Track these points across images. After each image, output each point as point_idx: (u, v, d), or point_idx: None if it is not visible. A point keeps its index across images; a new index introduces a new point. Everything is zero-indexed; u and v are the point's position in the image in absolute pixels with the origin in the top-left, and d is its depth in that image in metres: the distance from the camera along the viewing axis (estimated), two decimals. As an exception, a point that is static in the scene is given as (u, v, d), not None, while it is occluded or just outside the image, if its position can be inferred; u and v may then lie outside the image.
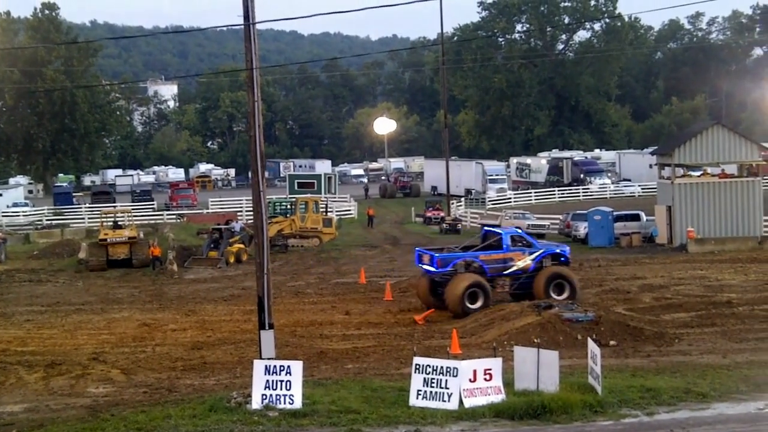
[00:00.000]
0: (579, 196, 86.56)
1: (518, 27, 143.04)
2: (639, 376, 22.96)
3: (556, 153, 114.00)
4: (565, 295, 32.83)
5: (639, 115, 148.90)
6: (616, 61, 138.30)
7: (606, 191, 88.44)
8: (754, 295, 34.48)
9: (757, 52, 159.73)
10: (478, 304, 32.14)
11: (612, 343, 26.65)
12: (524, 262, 33.72)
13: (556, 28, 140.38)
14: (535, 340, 24.99)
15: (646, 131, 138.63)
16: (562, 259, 34.49)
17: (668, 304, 33.51)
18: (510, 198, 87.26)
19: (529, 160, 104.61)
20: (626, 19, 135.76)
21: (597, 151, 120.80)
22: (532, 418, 19.66)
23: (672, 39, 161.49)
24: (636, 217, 56.04)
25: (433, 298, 33.76)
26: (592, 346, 21.42)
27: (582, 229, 55.91)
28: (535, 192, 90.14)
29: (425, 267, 33.96)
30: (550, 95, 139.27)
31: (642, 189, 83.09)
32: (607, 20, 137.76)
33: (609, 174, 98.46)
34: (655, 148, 69.16)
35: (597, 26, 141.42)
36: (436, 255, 33.65)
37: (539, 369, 21.00)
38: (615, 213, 56.10)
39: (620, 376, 22.57)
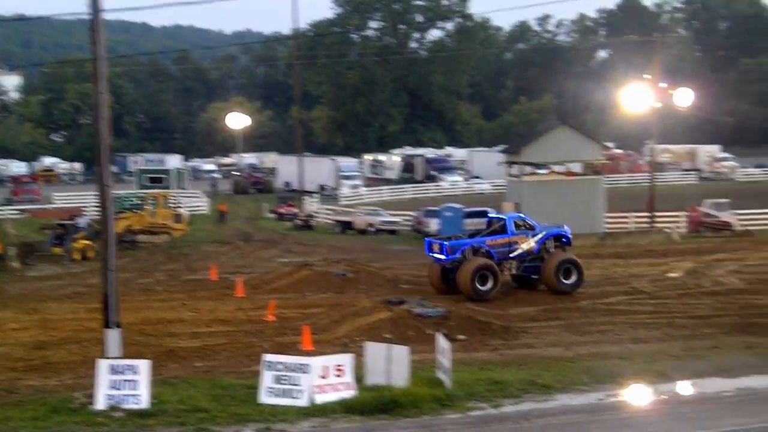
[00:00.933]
0: (431, 192, 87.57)
1: (372, 24, 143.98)
2: (487, 370, 23.41)
3: (409, 150, 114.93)
4: (573, 279, 34.58)
5: (489, 113, 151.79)
6: (468, 60, 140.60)
7: (457, 188, 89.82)
8: (597, 289, 35.57)
9: (602, 54, 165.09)
10: (488, 285, 33.63)
11: (461, 337, 27.05)
12: (528, 244, 35.24)
13: (409, 26, 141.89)
14: (387, 336, 25.23)
15: (496, 130, 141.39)
16: (564, 239, 36.11)
17: (515, 298, 34.25)
18: (363, 194, 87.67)
19: (382, 157, 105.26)
20: (477, 19, 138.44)
21: (448, 148, 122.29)
22: (383, 412, 19.81)
23: (521, 40, 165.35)
24: (485, 214, 56.95)
25: (445, 285, 35.03)
26: (442, 341, 21.72)
27: (433, 225, 56.56)
28: (389, 189, 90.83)
29: (435, 255, 35.18)
30: (403, 93, 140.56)
31: (492, 186, 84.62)
32: (459, 20, 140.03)
33: (460, 171, 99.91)
34: (505, 146, 70.64)
35: (449, 25, 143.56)
36: (446, 243, 34.96)
37: (390, 364, 21.16)
38: (465, 209, 56.96)
39: (469, 370, 22.94)
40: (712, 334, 27.68)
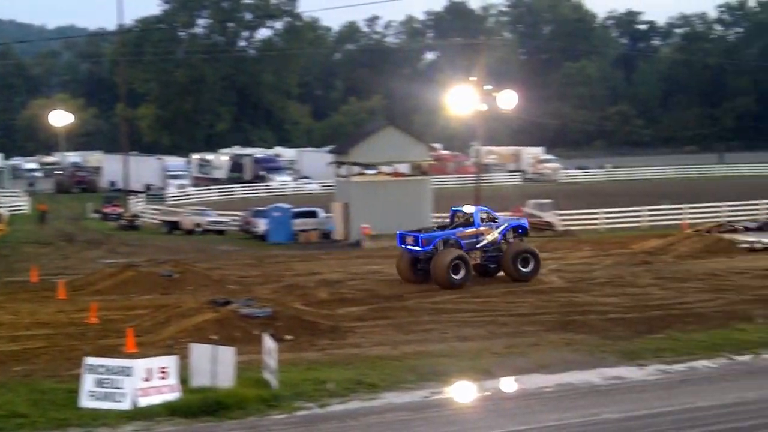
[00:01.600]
0: (260, 192, 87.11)
1: (200, 21, 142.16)
2: (314, 370, 23.38)
3: (237, 150, 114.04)
4: (530, 267, 37.04)
5: (319, 113, 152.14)
6: (297, 60, 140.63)
7: (286, 188, 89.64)
8: (423, 288, 36.01)
9: (429, 56, 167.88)
10: (461, 274, 35.85)
11: (288, 337, 26.90)
12: (492, 235, 37.65)
13: (238, 24, 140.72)
14: (213, 337, 24.90)
15: (326, 130, 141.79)
16: (520, 230, 38.84)
17: (343, 298, 34.37)
18: (191, 194, 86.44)
19: (210, 157, 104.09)
20: (306, 18, 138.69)
21: (278, 148, 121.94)
22: (208, 414, 19.53)
23: (350, 41, 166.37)
24: (314, 214, 57.16)
25: (414, 276, 37.22)
26: (268, 342, 21.59)
27: (262, 225, 56.29)
28: (217, 188, 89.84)
29: (410, 247, 37.25)
30: (231, 92, 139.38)
31: (321, 186, 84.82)
32: (288, 19, 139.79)
33: (289, 171, 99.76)
34: (333, 146, 70.89)
35: (278, 25, 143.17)
36: (421, 235, 37.11)
37: (215, 365, 20.89)
38: (294, 210, 56.94)
39: (295, 370, 22.86)
40: (534, 331, 28.38)
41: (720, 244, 45.79)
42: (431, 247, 36.64)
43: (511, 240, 38.07)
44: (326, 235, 54.98)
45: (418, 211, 53.58)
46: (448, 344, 26.80)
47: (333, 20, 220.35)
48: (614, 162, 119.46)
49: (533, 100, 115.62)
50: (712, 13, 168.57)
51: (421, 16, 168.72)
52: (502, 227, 38.04)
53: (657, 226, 56.96)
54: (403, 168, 60.28)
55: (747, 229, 48.73)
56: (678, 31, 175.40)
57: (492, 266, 37.98)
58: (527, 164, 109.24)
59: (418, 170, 58.21)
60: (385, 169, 58.59)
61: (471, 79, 62.99)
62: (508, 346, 26.36)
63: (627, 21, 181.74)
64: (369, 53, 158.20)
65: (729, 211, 59.54)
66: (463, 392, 22.34)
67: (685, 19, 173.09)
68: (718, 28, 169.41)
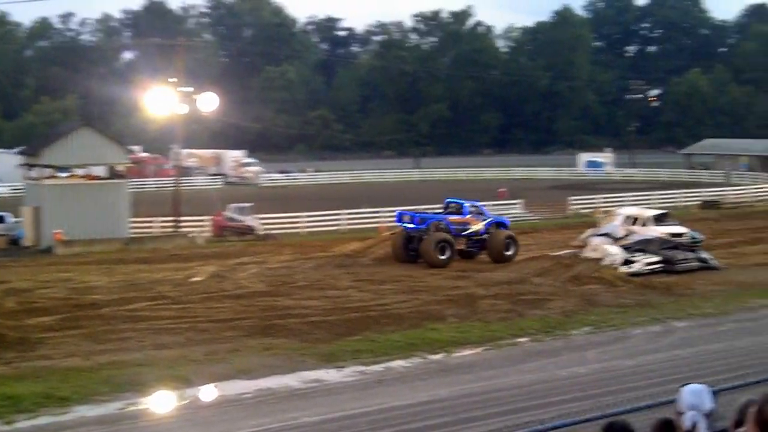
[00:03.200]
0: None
1: None
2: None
3: None
4: (512, 251, 42.93)
5: (9, 113, 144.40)
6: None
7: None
8: (119, 295, 34.71)
9: (128, 56, 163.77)
10: (446, 255, 41.62)
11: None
12: (478, 226, 43.68)
13: None
14: None
15: (16, 130, 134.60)
16: (502, 227, 44.62)
17: (33, 308, 32.43)
18: None
19: None
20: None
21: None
22: None
23: (43, 37, 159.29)
24: (1, 219, 53.98)
25: (405, 255, 42.70)
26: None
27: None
28: None
29: (406, 225, 43.37)
30: None
31: (11, 189, 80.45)
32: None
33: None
34: (24, 148, 67.33)
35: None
36: (417, 215, 43.80)
37: None
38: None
39: (-21, 387, 21.33)
40: (234, 337, 28.01)
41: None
42: (425, 226, 42.46)
43: (492, 232, 43.74)
44: (14, 242, 51.95)
45: (115, 216, 51.92)
46: (145, 353, 25.92)
47: (23, 15, 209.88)
48: (316, 166, 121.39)
49: (235, 103, 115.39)
50: (409, 22, 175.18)
51: (118, 15, 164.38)
52: (487, 221, 44.17)
53: (357, 230, 58.13)
54: (100, 171, 58.13)
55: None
56: (376, 38, 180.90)
57: (474, 251, 44.03)
58: (229, 168, 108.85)
59: (115, 173, 56.32)
60: (79, 171, 56.25)
61: (170, 80, 61.83)
62: (208, 353, 25.85)
63: (327, 27, 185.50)
64: (63, 51, 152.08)
65: (423, 213, 61.66)
66: (160, 402, 21.70)
67: (382, 27, 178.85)
68: (413, 36, 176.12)
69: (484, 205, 48.37)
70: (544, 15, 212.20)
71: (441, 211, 45.90)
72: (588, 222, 52.53)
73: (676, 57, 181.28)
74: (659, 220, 45.44)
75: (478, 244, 43.98)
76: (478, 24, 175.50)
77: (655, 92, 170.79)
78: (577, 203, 70.63)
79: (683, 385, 6.37)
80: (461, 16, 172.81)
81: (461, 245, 43.60)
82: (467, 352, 26.67)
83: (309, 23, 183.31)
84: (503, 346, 27.16)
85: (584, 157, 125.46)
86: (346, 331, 28.75)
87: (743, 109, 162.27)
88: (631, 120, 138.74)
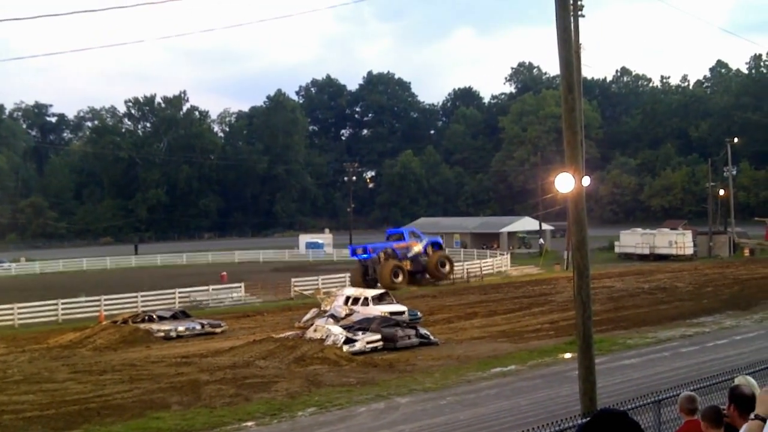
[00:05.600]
0: None
1: None
2: None
3: None
4: (447, 268, 57.03)
5: None
6: None
7: None
8: None
9: None
10: (400, 279, 54.07)
11: None
12: (418, 247, 54.97)
13: None
14: None
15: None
16: (436, 247, 56.95)
17: None
18: None
19: None
20: None
21: None
22: None
23: None
24: None
25: (365, 283, 51.28)
26: None
27: None
28: None
29: (360, 256, 54.67)
30: None
31: None
32: None
33: None
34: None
35: None
36: (368, 245, 54.69)
37: None
38: None
39: None
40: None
41: (137, 334, 46.32)
42: (375, 255, 54.12)
43: (430, 253, 55.39)
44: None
45: None
46: None
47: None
48: (29, 255, 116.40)
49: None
50: (122, 108, 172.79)
51: None
52: (424, 242, 56.30)
53: (74, 319, 56.18)
54: None
55: (161, 318, 49.78)
56: (89, 124, 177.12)
57: (418, 275, 54.74)
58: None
59: None
60: None
61: None
62: None
63: (36, 113, 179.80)
64: None
65: (144, 300, 60.63)
66: None
67: (94, 113, 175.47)
68: (127, 122, 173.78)
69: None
70: (257, 100, 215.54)
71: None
72: (310, 303, 53.37)
73: (389, 139, 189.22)
74: (379, 299, 47.13)
75: (420, 265, 56.42)
76: (194, 109, 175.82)
77: (370, 174, 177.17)
78: (300, 284, 71.62)
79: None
80: (175, 101, 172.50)
81: (408, 266, 55.66)
82: (192, 440, 26.28)
83: (16, 110, 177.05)
84: (229, 432, 26.97)
85: (304, 238, 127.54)
86: (65, 425, 27.60)
87: (455, 188, 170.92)
88: (348, 201, 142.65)
